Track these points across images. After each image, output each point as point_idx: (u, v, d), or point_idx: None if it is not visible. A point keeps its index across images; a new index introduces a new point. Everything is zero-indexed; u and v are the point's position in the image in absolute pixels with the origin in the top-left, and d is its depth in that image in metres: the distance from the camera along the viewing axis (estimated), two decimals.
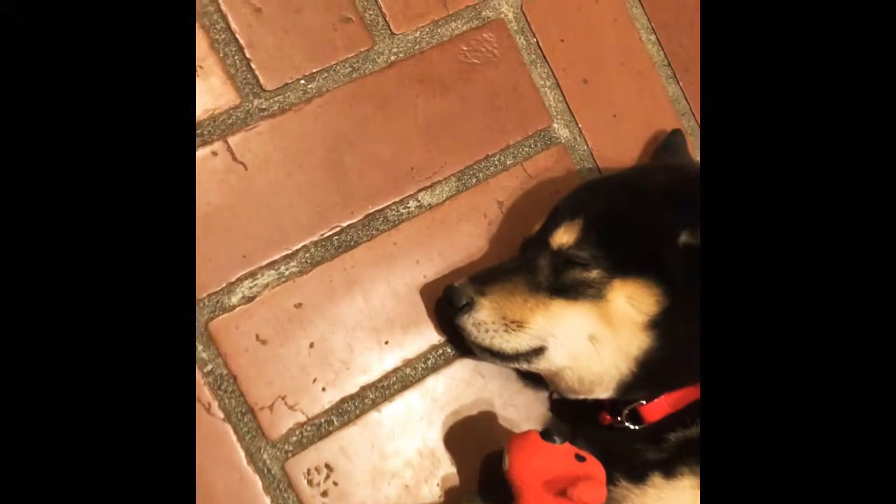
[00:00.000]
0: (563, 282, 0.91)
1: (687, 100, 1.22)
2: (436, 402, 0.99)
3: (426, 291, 1.01)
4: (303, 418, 0.93)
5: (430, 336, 1.00)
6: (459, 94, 1.07)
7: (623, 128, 1.16)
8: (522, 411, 1.03)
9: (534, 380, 1.02)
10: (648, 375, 0.89)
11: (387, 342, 0.98)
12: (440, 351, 1.00)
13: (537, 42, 1.14)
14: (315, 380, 0.94)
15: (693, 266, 0.87)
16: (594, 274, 0.90)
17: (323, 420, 0.94)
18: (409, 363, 0.99)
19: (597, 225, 0.92)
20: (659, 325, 0.87)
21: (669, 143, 1.14)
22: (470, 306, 0.93)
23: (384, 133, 1.02)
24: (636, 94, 1.18)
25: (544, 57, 1.13)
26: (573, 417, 1.02)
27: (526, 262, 0.95)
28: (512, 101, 1.10)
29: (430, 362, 1.00)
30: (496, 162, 1.08)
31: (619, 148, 1.16)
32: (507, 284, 0.93)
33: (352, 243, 0.99)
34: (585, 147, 1.14)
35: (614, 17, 1.19)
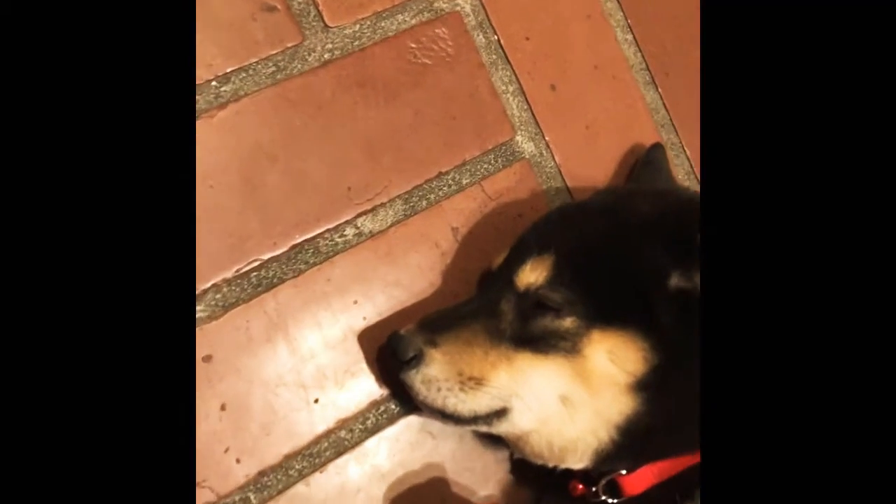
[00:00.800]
0: (530, 331, 0.77)
1: (667, 108, 1.08)
2: (377, 469, 0.84)
3: (366, 337, 0.86)
4: (212, 497, 0.77)
5: (369, 390, 0.86)
6: (407, 100, 0.92)
7: (596, 141, 1.02)
8: (480, 476, 0.89)
9: (493, 438, 0.88)
10: (632, 444, 0.76)
11: (317, 400, 0.82)
12: (382, 408, 0.85)
13: (498, 40, 0.99)
14: (227, 449, 0.78)
15: (687, 315, 0.74)
16: (568, 323, 0.75)
17: (237, 498, 0.79)
18: (343, 424, 0.83)
19: (571, 262, 0.77)
20: (646, 386, 0.74)
21: (649, 159, 1.00)
22: (419, 359, 0.79)
23: (316, 147, 0.86)
24: (611, 101, 1.04)
25: (506, 58, 0.99)
26: (539, 484, 0.89)
27: (486, 305, 0.81)
28: (469, 110, 0.95)
29: (369, 422, 0.85)
30: (450, 181, 0.93)
31: (592, 164, 1.02)
32: (464, 333, 0.79)
33: (274, 280, 0.83)
34: (553, 163, 0.99)
35: (587, 12, 1.05)
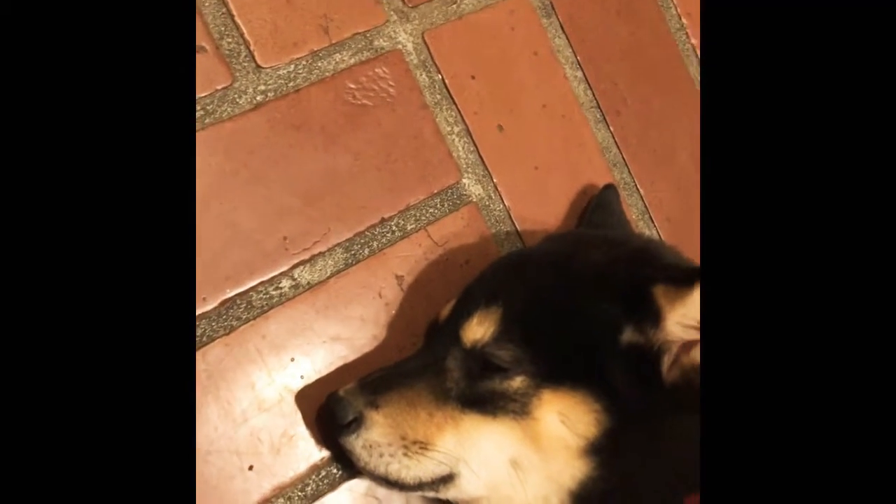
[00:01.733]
0: (478, 391, 0.74)
1: (618, 147, 1.06)
2: None
3: (304, 397, 0.82)
4: None
5: (308, 454, 0.81)
6: (346, 143, 0.88)
7: (546, 182, 0.99)
8: None
9: (444, 500, 0.83)
10: None
11: (251, 467, 0.77)
12: (322, 473, 0.81)
13: (442, 79, 0.95)
14: None
15: (642, 372, 0.70)
16: (517, 383, 0.72)
17: None
18: (281, 492, 0.78)
19: (520, 315, 0.74)
20: (600, 449, 0.70)
21: (601, 201, 0.98)
22: (359, 423, 0.75)
23: (248, 194, 0.82)
24: (561, 141, 1.01)
25: (451, 97, 0.95)
26: None
27: (432, 363, 0.77)
28: (412, 152, 0.91)
29: (309, 489, 0.80)
30: (394, 227, 0.89)
31: (542, 206, 0.99)
32: (408, 393, 0.75)
33: (204, 339, 0.78)
34: (502, 206, 0.96)
35: (534, 49, 1.02)
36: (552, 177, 1.01)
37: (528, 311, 0.75)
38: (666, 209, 1.09)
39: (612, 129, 1.06)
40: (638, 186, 1.07)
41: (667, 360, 0.70)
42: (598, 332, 0.72)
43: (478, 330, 0.75)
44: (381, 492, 0.83)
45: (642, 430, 0.70)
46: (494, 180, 0.97)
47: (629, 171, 1.07)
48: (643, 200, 1.07)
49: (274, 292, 0.83)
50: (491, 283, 0.79)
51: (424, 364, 0.78)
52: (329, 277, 0.85)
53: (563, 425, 0.71)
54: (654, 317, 0.70)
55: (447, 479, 0.74)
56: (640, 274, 0.72)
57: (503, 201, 0.97)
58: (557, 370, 0.72)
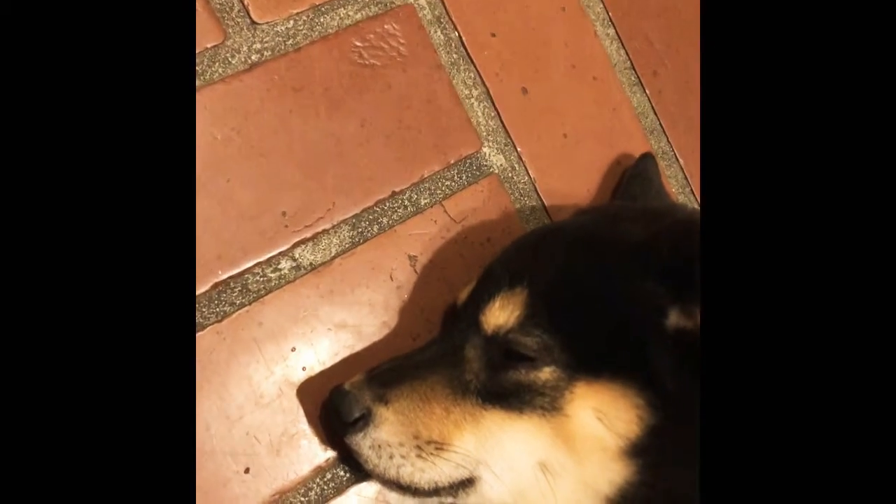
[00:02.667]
0: (501, 384, 0.66)
1: (656, 113, 0.97)
2: None
3: (306, 392, 0.74)
4: None
5: (311, 455, 0.74)
6: (352, 108, 0.80)
7: (575, 152, 0.90)
8: None
9: None
10: None
11: (247, 469, 0.70)
12: (328, 476, 0.73)
13: (460, 37, 0.87)
14: None
15: (690, 362, 0.62)
16: (546, 374, 0.63)
17: None
18: (281, 496, 0.71)
19: (548, 298, 0.66)
20: (643, 451, 0.62)
21: (638, 171, 0.89)
22: (366, 420, 0.67)
23: (242, 165, 0.75)
24: (592, 106, 0.92)
25: (469, 57, 0.87)
26: None
27: (448, 352, 0.69)
28: (426, 118, 0.83)
29: (312, 493, 0.73)
30: (406, 201, 0.81)
31: (571, 179, 0.90)
32: (421, 386, 0.68)
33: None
34: (526, 178, 0.87)
35: (562, 4, 0.93)
36: (582, 145, 0.92)
37: (558, 292, 0.66)
38: None
39: (647, 92, 0.97)
40: (678, 156, 0.98)
41: None
42: (639, 316, 0.63)
43: (500, 314, 0.67)
44: (393, 497, 0.75)
45: (690, 429, 0.61)
46: (518, 149, 0.88)
47: (667, 139, 0.97)
48: (683, 171, 0.98)
49: (272, 274, 0.75)
50: (515, 262, 0.71)
51: (440, 354, 0.70)
52: (334, 258, 0.77)
53: (599, 423, 0.62)
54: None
55: (466, 483, 0.67)
56: (686, 249, 0.63)
57: (528, 172, 0.88)
58: (592, 360, 0.63)
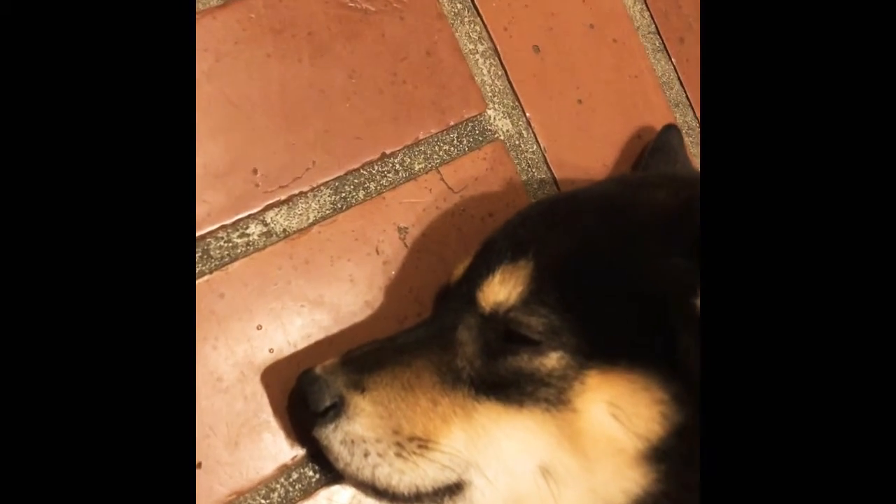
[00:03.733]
0: (498, 372, 0.57)
1: (682, 83, 0.88)
2: None
3: (273, 377, 0.65)
4: None
5: (276, 451, 0.65)
6: (339, 56, 0.71)
7: (591, 120, 0.81)
8: None
9: None
10: None
11: (199, 464, 0.61)
12: (294, 475, 0.64)
13: None
14: None
15: None
16: (553, 361, 0.54)
17: None
18: (238, 497, 0.63)
19: (557, 273, 0.57)
20: (665, 455, 0.53)
21: (661, 144, 0.80)
22: (339, 411, 0.59)
23: (209, 112, 0.67)
24: (611, 71, 0.83)
25: (475, 7, 0.79)
26: None
27: (438, 334, 0.60)
28: (424, 74, 0.74)
29: (276, 495, 0.64)
30: (397, 165, 0.72)
31: (585, 150, 0.81)
32: (405, 373, 0.59)
33: None
34: (535, 146, 0.78)
35: None
36: (599, 114, 0.82)
37: (570, 266, 0.57)
38: None
39: (673, 60, 0.88)
40: None
41: None
42: (665, 296, 0.54)
43: (500, 290, 0.58)
44: (371, 502, 0.66)
45: None
46: (527, 114, 0.79)
47: (694, 114, 0.89)
48: None
49: (238, 240, 0.66)
50: (519, 232, 0.61)
51: (428, 336, 0.61)
52: (312, 225, 0.68)
53: (614, 420, 0.53)
54: None
55: (454, 489, 0.58)
56: None
57: (537, 141, 0.79)
58: (608, 345, 0.54)
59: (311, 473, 0.65)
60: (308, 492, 0.65)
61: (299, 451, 0.65)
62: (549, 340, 0.55)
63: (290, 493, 0.64)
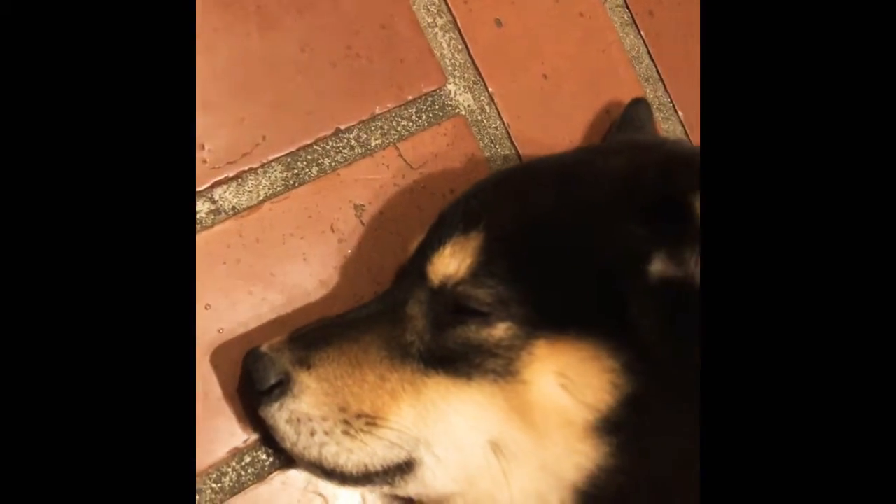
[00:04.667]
0: (447, 345, 0.56)
1: (652, 58, 0.86)
2: None
3: (222, 358, 0.64)
4: None
5: (227, 435, 0.63)
6: (290, 29, 0.70)
7: (557, 95, 0.80)
8: None
9: (412, 500, 0.64)
10: None
11: None
12: (246, 459, 0.63)
13: None
14: None
15: (679, 317, 0.51)
16: (500, 331, 0.52)
17: None
18: None
19: (509, 243, 0.56)
20: (618, 427, 0.52)
21: (629, 117, 0.79)
22: (284, 388, 0.57)
23: None
24: (577, 45, 0.82)
25: None
26: None
27: (388, 309, 0.59)
28: (380, 46, 0.73)
29: (227, 479, 0.62)
30: (352, 141, 0.70)
31: (551, 126, 0.80)
32: (352, 349, 0.58)
33: None
34: (499, 122, 0.77)
35: None
36: (565, 89, 0.81)
37: (521, 236, 0.56)
38: None
39: (643, 34, 0.87)
40: (676, 108, 0.88)
41: None
42: (617, 262, 0.53)
43: (450, 263, 0.56)
44: (329, 486, 0.64)
45: (677, 401, 0.50)
46: (489, 89, 0.77)
47: (665, 88, 0.87)
48: (682, 124, 0.88)
49: None
50: (472, 204, 0.60)
51: (378, 312, 0.59)
52: (262, 202, 0.67)
53: (563, 391, 0.51)
54: (695, 238, 0.51)
55: (404, 468, 0.57)
56: (676, 182, 0.53)
57: (500, 116, 0.77)
58: (557, 314, 0.53)
59: (264, 457, 0.63)
60: (261, 476, 0.63)
61: (252, 435, 0.63)
62: (498, 311, 0.53)
63: (243, 477, 0.63)
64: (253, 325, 0.65)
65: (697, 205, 0.50)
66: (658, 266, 0.52)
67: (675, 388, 0.51)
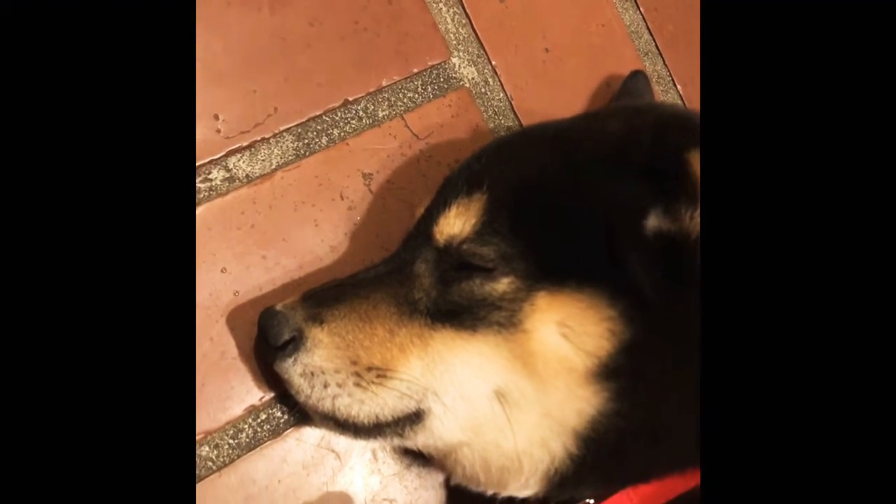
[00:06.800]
0: (453, 300, 0.58)
1: (651, 33, 0.89)
2: (253, 501, 0.63)
3: (238, 319, 0.67)
4: None
5: (244, 392, 0.66)
6: (299, 4, 0.74)
7: (558, 69, 0.83)
8: None
9: (422, 456, 0.69)
10: (599, 460, 0.57)
11: None
12: (262, 416, 0.66)
13: None
14: None
15: (673, 269, 0.54)
16: (503, 285, 0.55)
17: None
18: (206, 437, 0.65)
19: (510, 204, 0.59)
20: (616, 373, 0.55)
21: (628, 89, 0.82)
22: (297, 343, 0.60)
23: None
24: (579, 20, 0.85)
25: None
26: None
27: (396, 269, 0.62)
28: (386, 21, 0.75)
29: (244, 435, 0.65)
30: (360, 112, 0.73)
31: (553, 99, 0.82)
32: (362, 305, 0.60)
33: None
34: (502, 94, 0.79)
35: None
36: (567, 63, 0.84)
37: (523, 196, 0.59)
38: None
39: (642, 9, 0.89)
40: (675, 81, 0.90)
41: None
42: (614, 217, 0.56)
43: (455, 223, 0.59)
44: (343, 442, 0.67)
45: (672, 348, 0.53)
46: (493, 62, 0.80)
47: (664, 63, 0.89)
48: (682, 99, 0.90)
49: (201, 185, 0.67)
50: (475, 167, 0.63)
51: (388, 271, 0.62)
52: (275, 170, 0.70)
53: (564, 340, 0.54)
54: (689, 194, 0.53)
55: (413, 418, 0.59)
56: (671, 142, 0.55)
57: (503, 89, 0.80)
58: (557, 268, 0.55)
59: (279, 414, 0.66)
60: (276, 432, 0.66)
61: (267, 394, 0.66)
62: (500, 267, 0.56)
63: (259, 434, 0.66)
64: (267, 288, 0.68)
65: (692, 162, 0.53)
66: (654, 221, 0.55)
67: (671, 336, 0.54)
